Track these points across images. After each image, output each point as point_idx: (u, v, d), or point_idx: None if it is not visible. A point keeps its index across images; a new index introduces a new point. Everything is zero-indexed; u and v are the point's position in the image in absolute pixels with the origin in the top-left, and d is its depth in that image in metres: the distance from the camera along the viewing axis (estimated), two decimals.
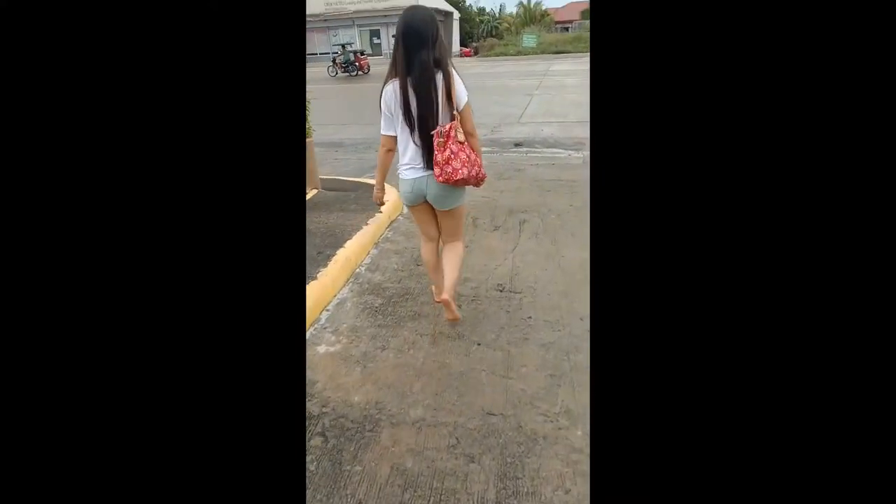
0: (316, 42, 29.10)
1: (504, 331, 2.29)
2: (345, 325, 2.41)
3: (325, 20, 29.14)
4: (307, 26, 29.45)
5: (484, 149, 6.05)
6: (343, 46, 21.40)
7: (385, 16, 27.15)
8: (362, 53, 20.98)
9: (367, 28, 29.25)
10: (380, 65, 18.02)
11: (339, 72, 20.04)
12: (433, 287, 2.40)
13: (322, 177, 4.77)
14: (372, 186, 2.51)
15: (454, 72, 1.76)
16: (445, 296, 1.99)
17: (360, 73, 19.85)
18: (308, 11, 28.63)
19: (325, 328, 2.40)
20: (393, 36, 1.82)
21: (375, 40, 28.70)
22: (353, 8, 28.23)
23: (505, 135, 6.86)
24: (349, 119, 8.82)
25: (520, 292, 2.63)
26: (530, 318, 2.39)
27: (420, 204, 2.00)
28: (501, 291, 2.65)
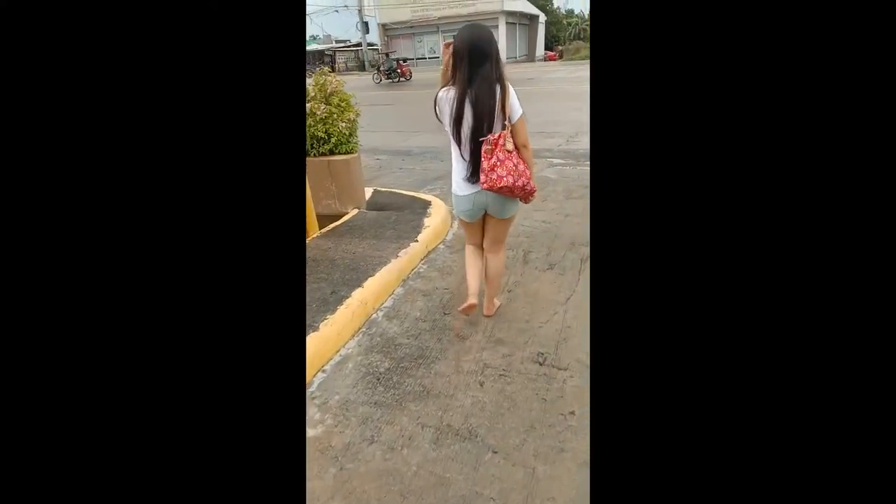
0: (402, 48, 29.62)
1: (533, 433, 1.68)
2: (336, 398, 1.94)
3: (411, 27, 29.57)
4: (394, 33, 30.38)
5: (556, 160, 5.40)
6: (387, 55, 24.54)
7: (470, 20, 26.94)
8: (404, 61, 22.90)
9: (451, 33, 29.12)
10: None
11: (382, 79, 21.56)
12: (464, 306, 2.16)
13: (379, 188, 4.43)
14: (426, 202, 3.60)
15: (510, 86, 1.77)
16: (489, 312, 2.30)
17: (402, 79, 21.35)
18: (395, 19, 29.27)
19: (312, 398, 1.94)
20: (446, 43, 1.84)
21: None
22: (438, 14, 28.35)
23: (582, 145, 6.12)
24: (419, 126, 8.48)
25: (565, 369, 2.00)
26: (573, 414, 1.75)
27: (476, 220, 2.06)
28: (541, 365, 2.03)
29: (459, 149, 1.84)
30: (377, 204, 3.98)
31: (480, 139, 1.76)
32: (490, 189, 1.80)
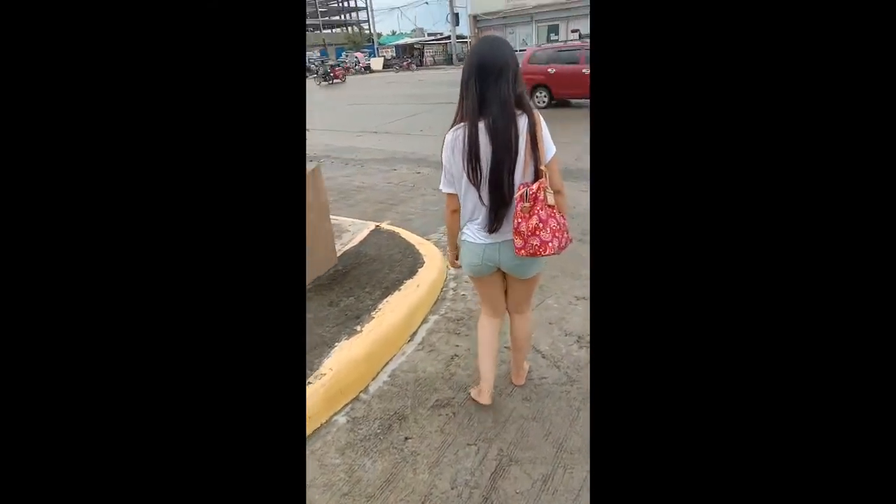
0: None
1: None
2: None
3: (504, 17, 28.55)
4: (486, 24, 29.54)
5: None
6: (322, 62, 28.18)
7: (566, 9, 25.37)
8: (338, 66, 26.26)
9: (546, 24, 27.78)
10: None
11: (321, 81, 24.00)
12: (473, 391, 1.94)
13: (384, 225, 3.89)
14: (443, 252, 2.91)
15: (539, 115, 1.41)
16: (520, 381, 1.96)
17: (335, 81, 23.75)
18: (486, 9, 28.43)
19: None
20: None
21: (553, 36, 27.04)
22: (532, 3, 27.03)
23: None
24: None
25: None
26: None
27: (489, 275, 1.65)
28: None
29: (479, 192, 1.45)
30: (363, 258, 3.44)
31: (504, 189, 1.41)
32: (529, 255, 1.43)
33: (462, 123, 1.42)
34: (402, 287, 2.82)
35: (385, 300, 2.68)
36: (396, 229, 3.91)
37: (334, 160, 7.25)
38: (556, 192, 1.45)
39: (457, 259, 1.71)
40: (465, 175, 1.44)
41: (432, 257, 3.26)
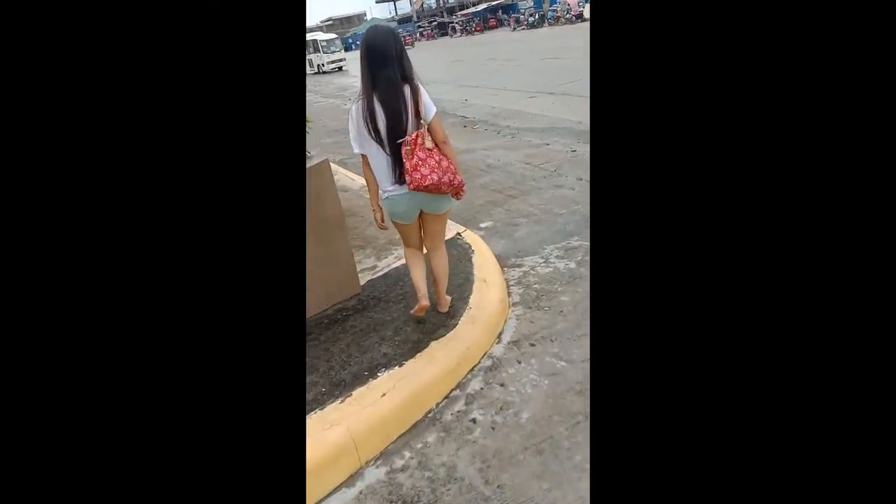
0: None
1: None
2: None
3: None
4: None
5: None
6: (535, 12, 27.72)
7: None
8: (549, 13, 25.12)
9: None
10: None
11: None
12: (416, 308, 2.03)
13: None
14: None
15: (420, 86, 1.77)
16: (445, 308, 2.15)
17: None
18: None
19: None
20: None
21: None
22: None
23: None
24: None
25: None
26: None
27: (412, 222, 1.98)
28: None
29: (383, 149, 1.78)
30: (398, 288, 2.59)
31: (399, 141, 1.72)
32: (416, 189, 1.74)
33: (361, 97, 1.75)
34: (422, 351, 1.91)
35: (389, 371, 1.82)
36: (478, 243, 2.92)
37: (488, 127, 6.36)
38: (443, 143, 1.80)
39: (382, 221, 1.98)
40: (369, 137, 1.75)
41: (485, 308, 2.22)
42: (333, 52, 23.72)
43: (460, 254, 2.80)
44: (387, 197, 1.86)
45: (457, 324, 2.09)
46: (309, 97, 13.00)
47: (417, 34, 41.88)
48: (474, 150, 5.39)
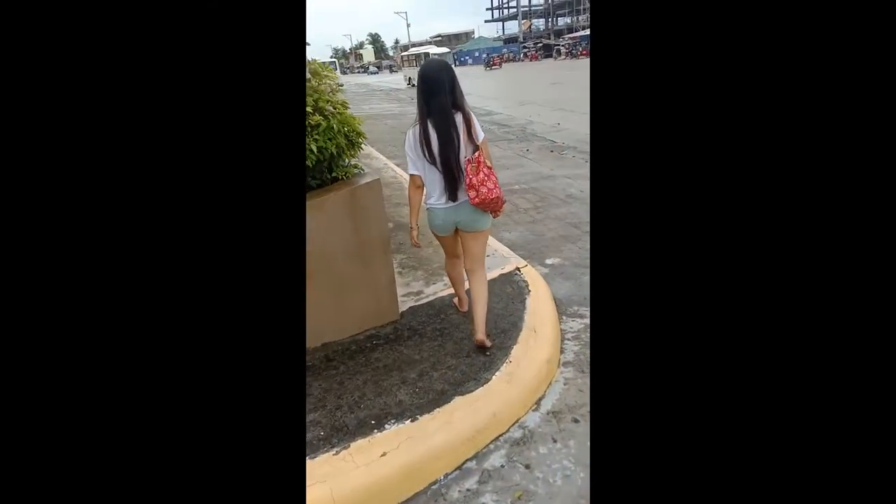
0: None
1: None
2: None
3: None
4: None
5: None
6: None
7: None
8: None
9: None
10: None
11: None
12: (455, 300, 2.39)
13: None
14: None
15: (472, 112, 1.92)
16: (481, 337, 2.01)
17: None
18: None
19: None
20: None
21: None
22: None
23: None
24: None
25: None
26: None
27: (449, 234, 2.08)
28: None
29: (436, 167, 1.90)
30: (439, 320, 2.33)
31: (457, 158, 1.87)
32: (482, 202, 1.88)
33: (417, 125, 1.91)
34: (442, 406, 1.66)
35: (399, 425, 1.59)
36: (538, 283, 2.60)
37: (576, 154, 5.98)
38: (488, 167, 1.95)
39: (416, 235, 2.08)
40: (422, 158, 1.91)
41: (528, 366, 1.91)
42: None
43: (514, 292, 2.50)
44: (429, 208, 2.01)
45: (490, 379, 1.79)
46: (404, 115, 13.30)
47: (521, 55, 42.01)
48: (556, 176, 5.05)
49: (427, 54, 23.20)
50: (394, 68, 53.78)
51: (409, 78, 25.27)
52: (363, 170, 2.18)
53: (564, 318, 2.44)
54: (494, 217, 2.02)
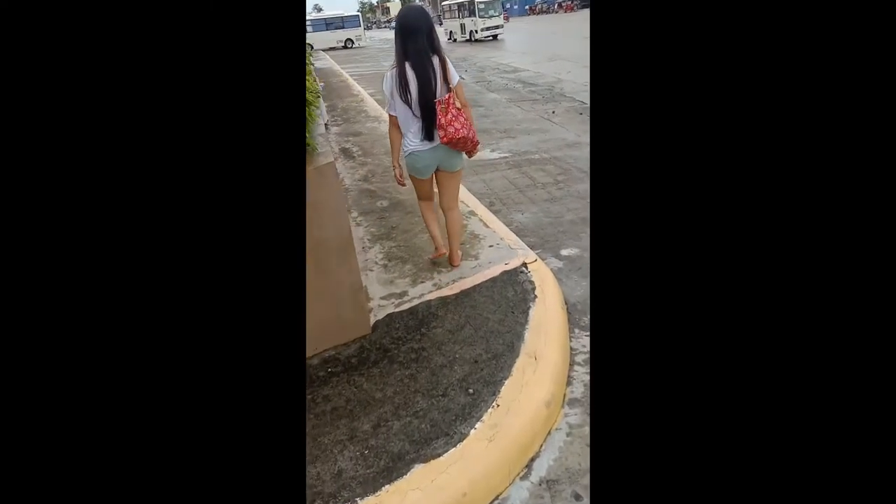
0: None
1: None
2: None
3: None
4: None
5: None
6: None
7: None
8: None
9: None
10: None
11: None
12: (434, 253, 2.40)
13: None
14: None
15: (447, 57, 2.03)
16: (457, 263, 2.33)
17: None
18: None
19: None
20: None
21: None
22: None
23: None
24: None
25: None
26: None
27: (428, 177, 2.20)
28: None
29: (411, 109, 2.01)
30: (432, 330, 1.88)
31: (434, 100, 1.97)
32: (450, 141, 1.99)
33: (394, 66, 2.00)
34: (394, 482, 1.23)
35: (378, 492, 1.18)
36: (548, 284, 2.12)
37: None
38: (464, 107, 2.09)
39: (401, 174, 2.19)
40: (400, 99, 2.00)
41: (518, 413, 1.46)
42: (492, 16, 20.24)
43: (516, 298, 2.02)
44: (410, 153, 2.10)
45: (467, 434, 1.35)
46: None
47: (556, 5, 39.53)
48: (582, 144, 4.42)
49: (473, 2, 21.07)
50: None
51: (451, 32, 23.45)
52: (316, 148, 1.69)
53: (576, 331, 1.96)
54: (469, 157, 2.19)
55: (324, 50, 23.52)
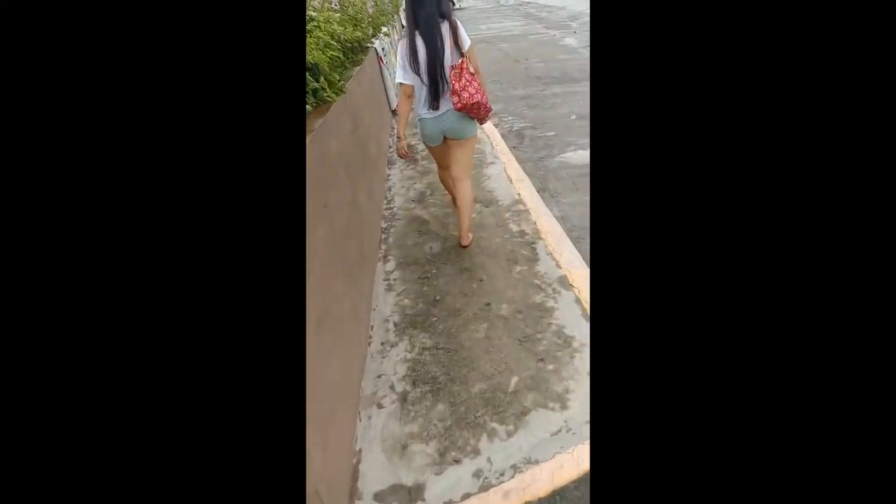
0: None
1: None
2: None
3: None
4: None
5: None
6: None
7: None
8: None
9: None
10: None
11: None
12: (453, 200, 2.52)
13: None
14: None
15: (458, 22, 2.01)
16: (465, 243, 2.36)
17: None
18: None
19: None
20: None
21: None
22: None
23: None
24: None
25: None
26: None
27: (438, 144, 2.22)
28: None
29: (420, 78, 2.00)
30: None
31: (441, 70, 1.97)
32: (464, 106, 1.99)
33: (406, 35, 2.00)
34: None
35: None
36: None
37: None
38: (476, 72, 2.05)
39: (405, 146, 2.16)
40: (410, 69, 2.00)
41: None
42: None
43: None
44: (420, 118, 2.14)
45: None
46: (527, 27, 11.03)
47: None
48: None
49: None
50: None
51: None
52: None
53: None
54: (481, 124, 2.15)
55: None
